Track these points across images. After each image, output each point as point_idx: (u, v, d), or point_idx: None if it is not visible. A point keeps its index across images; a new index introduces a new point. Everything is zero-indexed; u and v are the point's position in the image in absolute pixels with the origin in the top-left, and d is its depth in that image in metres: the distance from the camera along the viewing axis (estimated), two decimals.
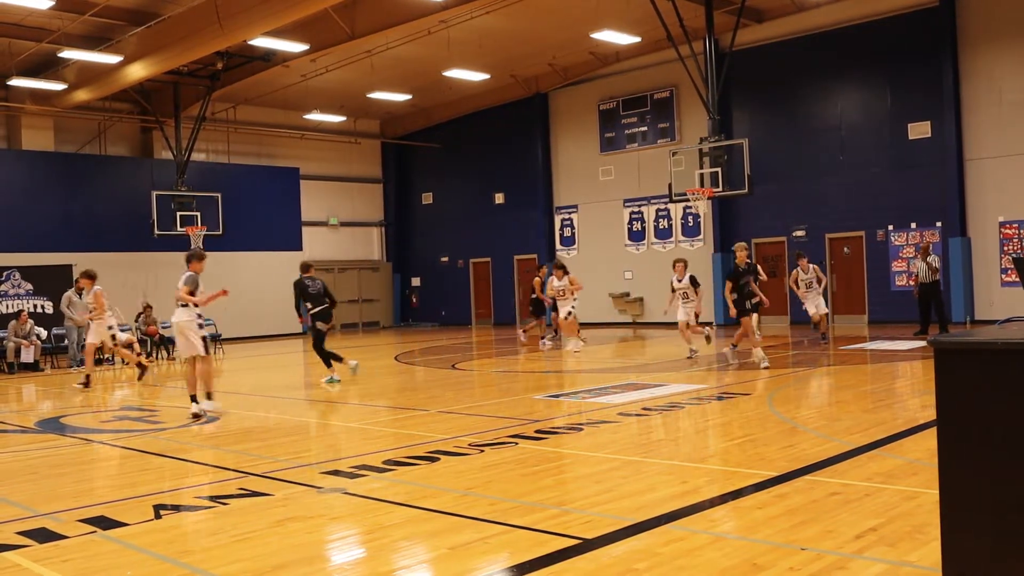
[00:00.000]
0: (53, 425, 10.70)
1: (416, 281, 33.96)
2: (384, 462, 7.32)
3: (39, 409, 13.13)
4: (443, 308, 33.00)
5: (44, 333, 20.20)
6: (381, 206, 34.06)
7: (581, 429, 8.80)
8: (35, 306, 21.78)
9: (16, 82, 23.24)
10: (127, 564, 4.91)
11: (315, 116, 29.28)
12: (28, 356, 19.23)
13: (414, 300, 34.02)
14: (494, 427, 8.90)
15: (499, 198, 30.86)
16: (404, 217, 34.10)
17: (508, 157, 30.38)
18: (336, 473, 6.96)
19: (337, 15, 20.41)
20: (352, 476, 6.82)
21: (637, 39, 23.14)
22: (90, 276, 16.41)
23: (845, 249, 23.15)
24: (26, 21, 20.16)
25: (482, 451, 7.67)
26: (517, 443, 7.97)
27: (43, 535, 5.50)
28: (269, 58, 23.43)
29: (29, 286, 22.44)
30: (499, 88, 28.70)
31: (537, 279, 21.09)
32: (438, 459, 7.38)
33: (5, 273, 22.11)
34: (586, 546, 4.80)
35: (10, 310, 21.09)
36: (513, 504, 5.81)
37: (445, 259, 32.72)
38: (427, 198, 33.42)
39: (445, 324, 32.49)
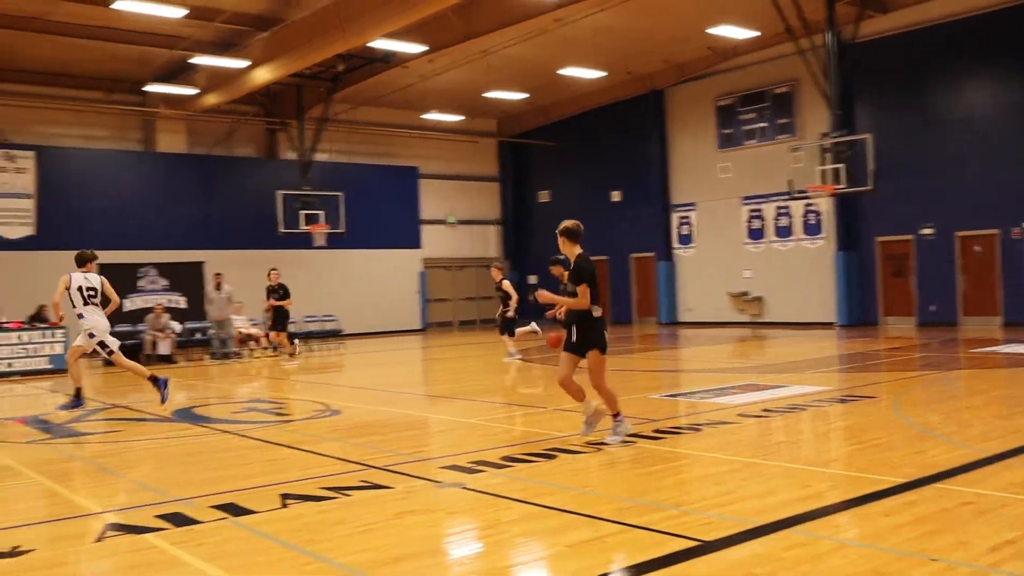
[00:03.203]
0: (188, 415, 11.18)
1: (533, 279, 34.09)
2: (502, 458, 7.40)
3: (174, 399, 13.72)
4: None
5: (178, 327, 21.12)
6: (498, 204, 34.34)
7: (699, 429, 8.70)
8: (170, 301, 22.75)
9: (151, 88, 24.36)
10: (256, 550, 5.10)
11: (433, 116, 29.73)
12: (164, 348, 20.17)
13: (531, 299, 34.13)
14: (611, 425, 8.88)
15: (615, 196, 30.71)
16: (521, 215, 34.31)
17: (624, 154, 30.21)
18: (455, 468, 7.07)
19: (454, 16, 20.67)
20: (470, 471, 6.92)
21: (755, 33, 22.69)
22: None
23: (976, 248, 22.17)
24: (160, 30, 21.10)
25: (600, 449, 7.67)
26: (634, 442, 7.94)
27: (178, 519, 5.77)
28: (388, 59, 23.90)
29: (164, 282, 23.46)
30: (614, 85, 28.57)
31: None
32: (555, 456, 7.41)
33: (142, 270, 23.18)
34: (705, 548, 4.75)
35: (146, 305, 22.09)
36: (630, 503, 5.80)
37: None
38: (543, 196, 33.53)
39: (557, 321, 32.51)
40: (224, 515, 5.83)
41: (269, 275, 19.53)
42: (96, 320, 11.89)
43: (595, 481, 6.50)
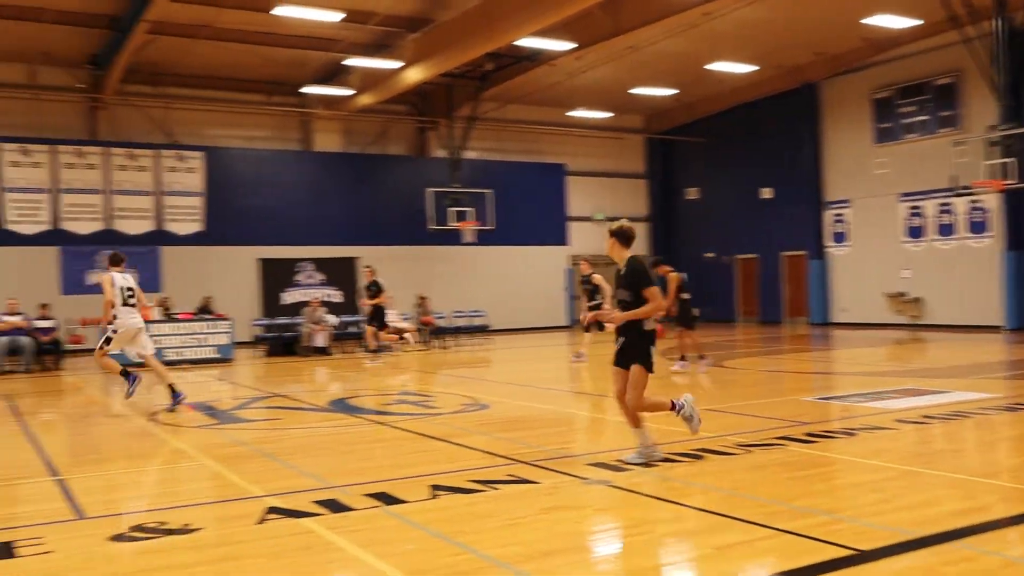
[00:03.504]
0: (342, 406, 11.58)
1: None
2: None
3: (330, 390, 14.25)
4: (707, 304, 32.51)
5: (334, 320, 21.90)
6: (645, 201, 34.07)
7: (854, 434, 8.41)
8: (326, 295, 23.60)
9: (309, 90, 25.31)
10: (407, 539, 5.25)
11: (580, 113, 29.76)
12: (320, 341, 20.94)
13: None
14: (761, 427, 8.71)
15: (766, 193, 29.98)
16: (668, 212, 33.94)
17: (775, 150, 29.45)
18: (601, 465, 7.08)
19: (602, 12, 20.62)
20: (617, 469, 6.91)
21: (915, 22, 21.68)
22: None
23: None
24: (317, 34, 21.91)
25: (749, 451, 7.53)
26: (785, 445, 7.76)
27: (334, 506, 5.99)
28: (536, 57, 24.06)
29: (320, 276, 24.36)
30: (765, 80, 27.87)
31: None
32: (703, 457, 7.32)
33: (299, 265, 24.13)
34: (860, 558, 4.60)
35: (304, 299, 22.98)
36: (781, 507, 5.67)
37: (710, 255, 32.23)
38: (691, 193, 33.06)
39: (709, 321, 32.01)
40: (377, 503, 6.02)
41: (364, 273, 19.45)
42: (132, 322, 11.59)
43: (744, 483, 6.39)
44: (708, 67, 25.13)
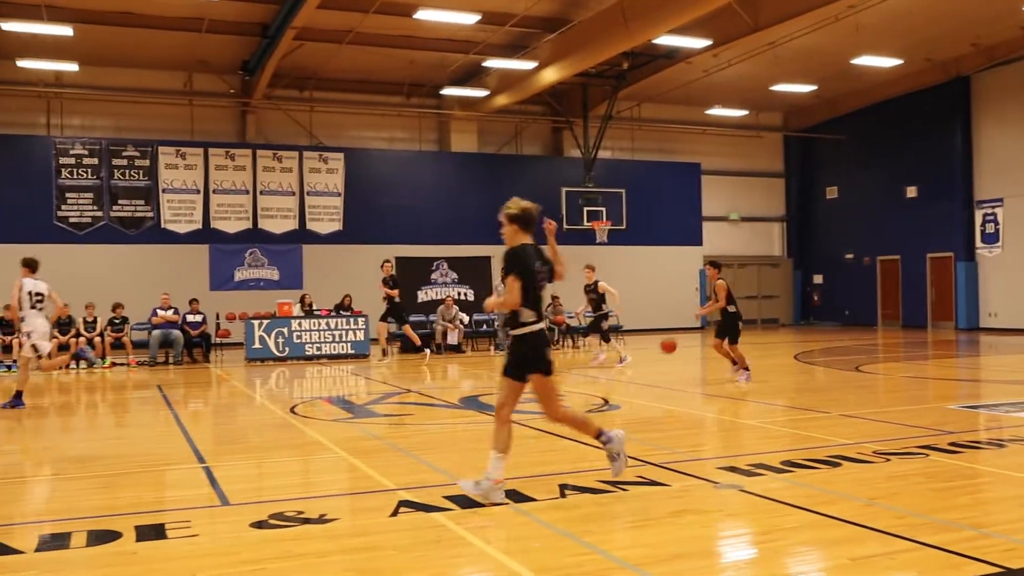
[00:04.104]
0: (473, 403, 11.75)
1: (818, 278, 32.75)
2: (782, 462, 7.19)
3: (461, 387, 14.47)
4: (846, 307, 31.52)
5: (466, 318, 22.21)
6: (782, 201, 33.25)
7: (1003, 446, 8.00)
8: (459, 294, 23.95)
9: (447, 91, 25.75)
10: (535, 536, 5.29)
11: (716, 111, 29.28)
12: (453, 338, 21.29)
13: (816, 298, 32.83)
14: (901, 435, 8.38)
15: (911, 191, 28.81)
16: (806, 212, 33.01)
17: (922, 147, 28.26)
18: (733, 470, 6.95)
19: (740, 8, 20.24)
20: (749, 474, 6.78)
21: None
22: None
23: None
24: (456, 36, 22.28)
25: (888, 460, 7.25)
26: (927, 455, 7.45)
27: (464, 502, 6.08)
28: (672, 55, 23.81)
29: (454, 275, 24.74)
30: (912, 73, 26.76)
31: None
32: (840, 464, 7.10)
33: (434, 263, 24.58)
34: None
35: (438, 297, 23.39)
36: (922, 520, 5.45)
37: (850, 256, 31.20)
38: (831, 192, 32.08)
39: (848, 324, 31.02)
40: (506, 500, 6.08)
41: (383, 266, 19.24)
42: (37, 324, 12.15)
43: (883, 493, 6.16)
44: (852, 61, 24.30)
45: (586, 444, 8.28)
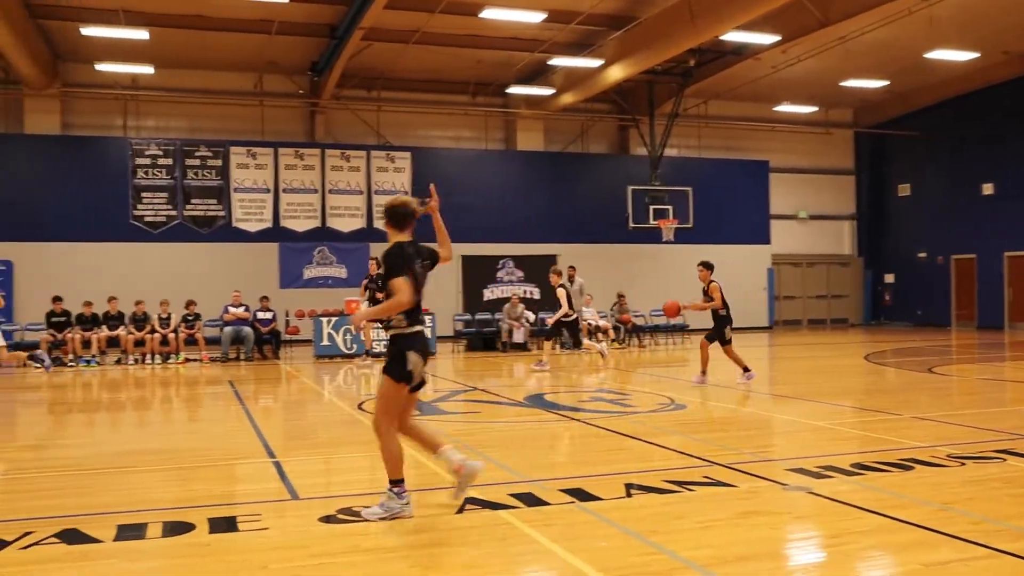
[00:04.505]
0: (539, 401, 11.76)
1: (889, 278, 32.07)
2: (852, 465, 7.06)
3: (527, 386, 14.48)
4: (919, 307, 30.82)
5: (532, 316, 22.25)
6: (852, 199, 32.64)
7: None
8: (525, 292, 24.01)
9: (513, 90, 25.80)
10: (600, 535, 5.28)
11: (785, 108, 28.87)
12: (518, 337, 21.35)
13: (887, 297, 32.16)
14: (977, 439, 8.18)
15: (987, 188, 28.04)
16: (877, 210, 32.35)
17: (999, 143, 27.49)
18: (801, 471, 6.86)
19: (810, 3, 19.91)
20: (818, 476, 6.68)
21: None
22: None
23: None
24: (522, 35, 22.32)
25: (963, 464, 7.08)
26: (1004, 459, 7.25)
27: (530, 499, 6.11)
28: (740, 52, 23.53)
29: (520, 273, 24.83)
30: (989, 67, 26.00)
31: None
32: (912, 468, 6.95)
33: (501, 261, 24.67)
34: None
35: (504, 295, 23.46)
36: (999, 526, 5.31)
37: (923, 255, 30.50)
38: (903, 190, 31.38)
39: (920, 324, 30.33)
40: (572, 499, 6.09)
41: (370, 265, 18.90)
42: None
43: (958, 498, 6.02)
44: (926, 55, 23.74)
45: (653, 443, 8.25)
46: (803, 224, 31.76)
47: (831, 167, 32.18)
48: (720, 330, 13.44)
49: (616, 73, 23.34)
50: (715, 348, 13.52)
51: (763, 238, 29.93)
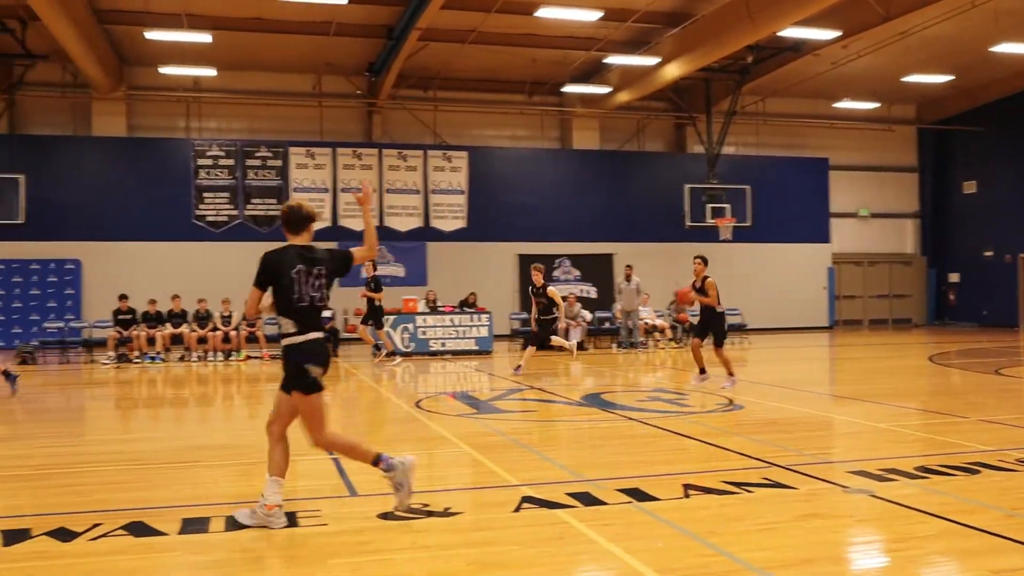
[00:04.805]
0: (596, 400, 11.74)
1: (954, 277, 31.38)
2: (916, 468, 6.93)
3: (584, 385, 14.47)
4: (985, 307, 30.11)
5: (589, 315, 22.21)
6: (916, 196, 31.99)
7: None
8: (582, 291, 23.98)
9: (568, 89, 25.76)
10: (658, 536, 5.26)
11: (845, 104, 28.41)
12: (575, 336, 21.29)
13: (951, 297, 31.48)
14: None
15: None
16: (942, 208, 31.67)
17: None
18: (863, 474, 6.75)
19: None
20: (880, 479, 6.57)
21: None
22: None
23: None
24: (577, 33, 22.27)
25: None
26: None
27: (587, 499, 6.09)
28: (799, 48, 23.21)
29: (577, 272, 24.79)
30: None
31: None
32: (978, 471, 6.80)
33: (557, 260, 24.67)
34: None
35: (560, 294, 23.44)
36: None
37: (990, 253, 29.80)
38: (969, 187, 30.68)
39: (986, 325, 29.63)
40: (629, 499, 6.07)
41: (364, 268, 18.47)
42: None
43: None
44: (991, 49, 23.16)
45: (711, 444, 8.19)
46: (864, 222, 31.22)
47: (893, 164, 31.59)
48: (719, 329, 13.02)
49: (673, 71, 23.18)
50: (707, 349, 13.23)
51: (823, 237, 29.50)
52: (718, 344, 12.90)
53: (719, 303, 13.02)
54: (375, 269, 18.77)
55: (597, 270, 24.87)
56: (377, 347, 18.89)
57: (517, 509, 5.88)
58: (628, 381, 14.69)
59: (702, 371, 13.13)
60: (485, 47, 23.21)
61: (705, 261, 13.13)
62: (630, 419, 10.00)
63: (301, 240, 5.79)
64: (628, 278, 21.58)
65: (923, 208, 31.89)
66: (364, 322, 18.52)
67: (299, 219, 5.80)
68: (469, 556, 4.96)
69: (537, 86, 26.82)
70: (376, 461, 5.71)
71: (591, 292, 24.94)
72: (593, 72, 25.47)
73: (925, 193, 31.82)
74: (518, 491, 6.36)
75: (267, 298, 5.74)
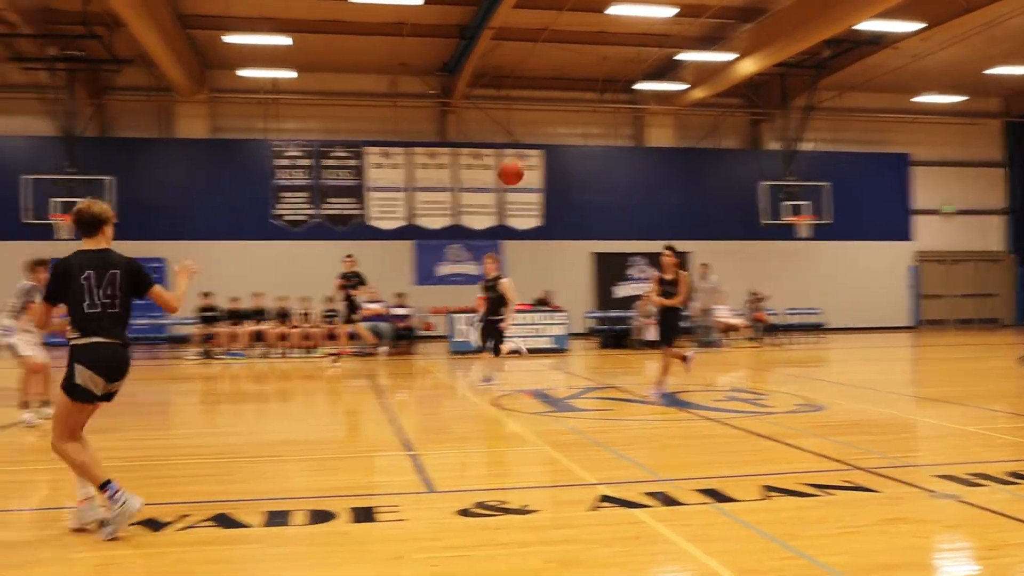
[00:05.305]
0: (673, 400, 11.64)
1: None
2: (1007, 473, 6.73)
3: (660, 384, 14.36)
4: None
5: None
6: (1003, 192, 31.01)
7: None
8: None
9: (642, 86, 25.60)
10: (736, 537, 5.21)
11: (927, 98, 27.66)
12: (650, 335, 21.18)
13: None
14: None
15: None
16: None
17: None
18: (950, 478, 6.58)
19: None
20: (969, 484, 6.39)
21: None
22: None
23: None
24: (650, 30, 22.12)
25: None
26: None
27: (664, 499, 6.06)
28: (878, 41, 22.68)
29: (652, 271, 24.62)
30: None
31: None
32: None
33: (631, 259, 24.56)
34: None
35: (635, 293, 23.33)
36: None
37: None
38: None
39: None
40: (707, 500, 6.02)
41: (344, 262, 17.58)
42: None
43: None
44: None
45: (790, 445, 8.07)
46: (948, 219, 30.37)
47: (978, 159, 30.66)
48: (672, 326, 11.65)
49: (748, 67, 22.86)
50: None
51: (904, 234, 28.81)
52: (666, 343, 11.72)
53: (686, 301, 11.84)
54: (354, 264, 17.62)
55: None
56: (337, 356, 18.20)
57: (594, 508, 5.88)
58: (705, 380, 14.54)
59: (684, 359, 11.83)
60: (557, 45, 23.19)
61: (676, 253, 11.67)
62: (707, 419, 9.90)
63: (94, 244, 5.60)
64: (705, 276, 21.37)
65: (1012, 204, 30.90)
66: (348, 320, 17.64)
67: (88, 222, 5.58)
68: (546, 554, 4.97)
69: (609, 83, 26.70)
70: (104, 486, 5.36)
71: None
72: (666, 69, 25.26)
73: (1015, 189, 30.81)
74: (595, 489, 6.35)
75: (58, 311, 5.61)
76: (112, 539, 5.28)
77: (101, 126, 25.01)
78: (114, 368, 5.52)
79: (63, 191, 23.15)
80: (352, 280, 17.28)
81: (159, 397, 13.87)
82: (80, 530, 5.53)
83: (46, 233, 22.80)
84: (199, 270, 6.20)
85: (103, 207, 5.67)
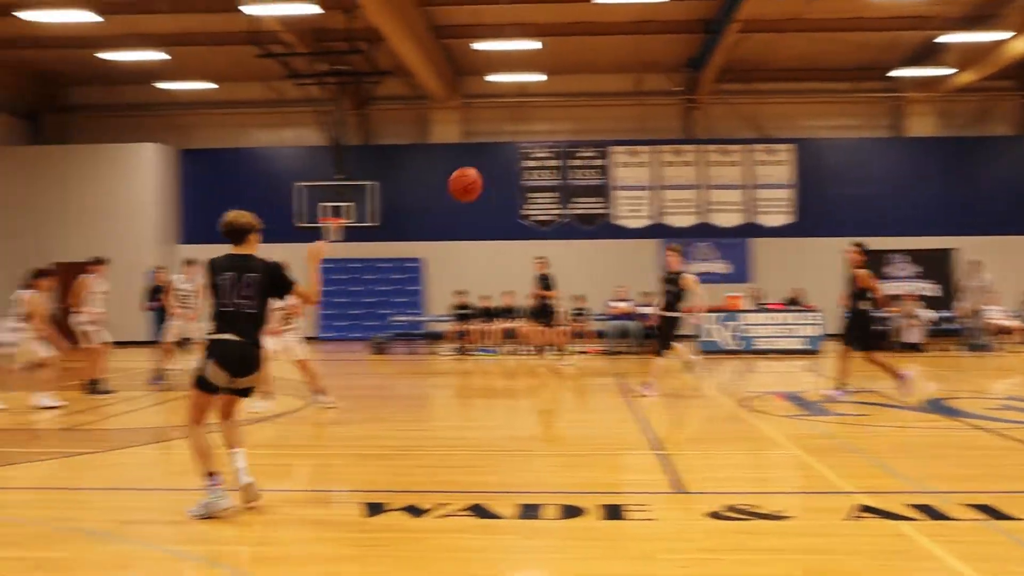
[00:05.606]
0: (937, 406, 10.94)
1: None
2: None
3: (923, 389, 13.51)
4: None
5: (933, 315, 20.75)
6: None
7: None
8: (919, 288, 22.44)
9: (899, 73, 24.12)
10: (1014, 558, 4.83)
11: None
12: (912, 336, 20.01)
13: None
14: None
15: None
16: None
17: None
18: None
19: None
20: None
21: None
22: None
23: None
24: (907, 13, 20.79)
25: None
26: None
27: (931, 512, 5.71)
28: None
29: (914, 269, 23.25)
30: None
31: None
32: None
33: (890, 256, 23.24)
34: None
35: (895, 292, 22.04)
36: None
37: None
38: None
39: None
40: (981, 515, 5.62)
41: (536, 263, 17.20)
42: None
43: None
44: None
45: None
46: None
47: None
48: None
49: (1020, 46, 20.97)
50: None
51: None
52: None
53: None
54: (546, 267, 17.89)
55: (936, 266, 23.10)
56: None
57: (851, 517, 5.64)
58: (975, 386, 13.53)
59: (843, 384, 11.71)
60: (808, 35, 22.27)
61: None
62: (980, 428, 9.21)
63: (240, 250, 6.05)
64: (975, 274, 19.88)
65: None
66: (535, 319, 17.89)
67: (234, 231, 6.05)
68: (800, 562, 4.83)
69: (863, 72, 25.32)
70: (211, 474, 5.84)
71: (931, 290, 23.19)
72: (925, 54, 23.62)
73: None
74: (852, 498, 6.09)
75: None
76: (198, 517, 5.73)
77: (365, 135, 26.67)
78: (240, 364, 5.92)
79: (332, 196, 24.92)
80: (543, 283, 17.66)
81: (417, 391, 14.64)
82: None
83: (316, 236, 24.62)
84: (326, 252, 6.52)
85: (250, 218, 6.14)
